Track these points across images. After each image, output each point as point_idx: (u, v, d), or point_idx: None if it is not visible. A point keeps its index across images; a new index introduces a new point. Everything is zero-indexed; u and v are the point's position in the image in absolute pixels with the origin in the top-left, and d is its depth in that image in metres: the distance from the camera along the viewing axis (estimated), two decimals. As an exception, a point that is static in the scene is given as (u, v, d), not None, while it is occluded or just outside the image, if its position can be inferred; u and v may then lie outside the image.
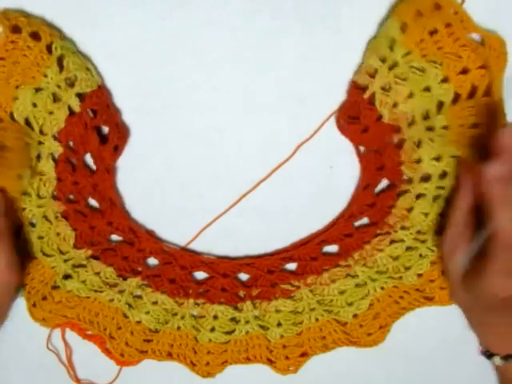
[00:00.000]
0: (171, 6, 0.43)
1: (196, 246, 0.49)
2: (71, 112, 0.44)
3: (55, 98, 0.43)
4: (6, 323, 0.48)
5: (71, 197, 0.47)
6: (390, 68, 0.42)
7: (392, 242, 0.47)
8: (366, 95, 0.43)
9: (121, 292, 0.49)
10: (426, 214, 0.46)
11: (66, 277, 0.48)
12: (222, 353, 0.50)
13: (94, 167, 0.46)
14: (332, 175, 0.47)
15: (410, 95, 0.43)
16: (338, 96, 0.45)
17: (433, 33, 0.41)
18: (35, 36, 0.42)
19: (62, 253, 0.48)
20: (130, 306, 0.49)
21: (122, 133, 0.45)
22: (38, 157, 0.45)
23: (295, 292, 0.49)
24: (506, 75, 0.43)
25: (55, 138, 0.45)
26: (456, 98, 0.43)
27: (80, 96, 0.44)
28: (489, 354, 0.45)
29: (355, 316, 0.49)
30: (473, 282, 0.41)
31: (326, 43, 0.44)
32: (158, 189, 0.48)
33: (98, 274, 0.48)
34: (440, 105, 0.43)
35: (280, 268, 0.49)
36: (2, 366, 0.52)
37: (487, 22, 0.42)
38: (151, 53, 0.44)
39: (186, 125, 0.46)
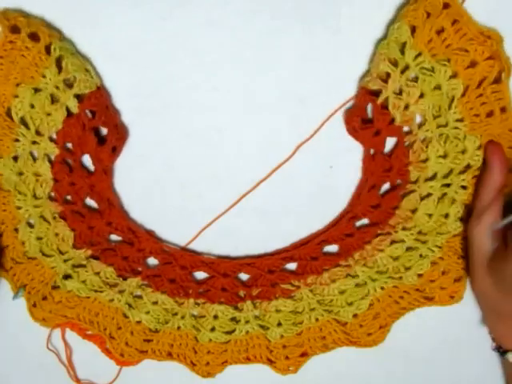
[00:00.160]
0: (171, 6, 0.43)
1: (196, 246, 0.49)
2: (69, 113, 0.44)
3: (53, 100, 0.43)
4: (6, 323, 0.48)
5: (68, 197, 0.47)
6: (402, 71, 0.42)
7: (392, 242, 0.47)
8: (380, 100, 0.43)
9: (121, 292, 0.49)
10: (430, 215, 0.46)
11: (66, 277, 0.48)
12: (222, 353, 0.50)
13: (91, 168, 0.46)
14: (332, 175, 0.47)
15: (421, 95, 0.43)
16: (338, 96, 0.45)
17: (440, 32, 0.41)
18: (34, 37, 0.42)
19: (61, 253, 0.48)
20: (130, 305, 0.49)
21: (120, 134, 0.45)
22: (33, 157, 0.45)
23: (295, 292, 0.49)
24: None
25: (51, 140, 0.45)
26: (466, 91, 0.43)
27: (78, 97, 0.43)
28: (502, 351, 0.44)
29: (355, 316, 0.49)
30: (498, 265, 0.41)
31: (326, 43, 0.44)
32: (158, 189, 0.48)
33: (97, 274, 0.48)
34: (451, 100, 0.43)
35: (280, 268, 0.49)
36: (2, 366, 0.52)
37: (487, 22, 0.42)
38: (151, 53, 0.44)
39: (186, 125, 0.46)
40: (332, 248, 0.48)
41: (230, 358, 0.50)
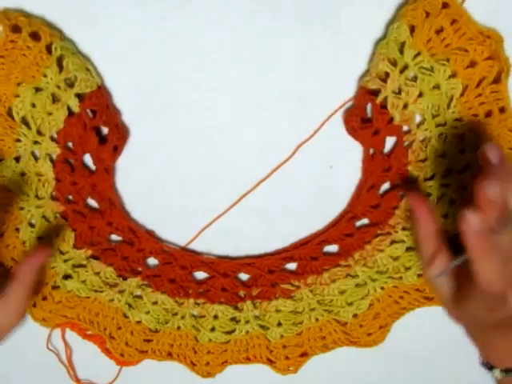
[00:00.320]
0: (171, 6, 0.43)
1: (196, 246, 0.49)
2: (70, 112, 0.44)
3: (54, 99, 0.43)
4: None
5: (70, 197, 0.47)
6: (401, 71, 0.42)
7: (392, 242, 0.47)
8: (379, 100, 0.43)
9: (121, 292, 0.49)
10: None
11: (66, 277, 0.48)
12: (221, 353, 0.50)
13: (93, 167, 0.46)
14: (332, 175, 0.47)
15: (420, 94, 0.43)
16: (338, 96, 0.45)
17: (439, 31, 0.41)
18: (35, 36, 0.42)
19: (61, 253, 0.48)
20: (130, 305, 0.49)
21: (121, 133, 0.45)
22: (35, 157, 0.45)
23: (295, 292, 0.49)
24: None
25: (53, 139, 0.45)
26: (465, 90, 0.43)
27: (79, 96, 0.43)
28: (489, 366, 0.44)
29: (355, 316, 0.49)
30: (461, 303, 0.41)
31: (326, 43, 0.44)
32: (158, 189, 0.48)
33: (98, 274, 0.48)
34: (450, 100, 0.43)
35: (280, 268, 0.49)
36: (2, 365, 0.52)
37: (487, 22, 0.42)
38: (151, 53, 0.44)
39: (186, 125, 0.46)
40: (332, 248, 0.49)
41: (230, 357, 0.50)
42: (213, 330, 0.50)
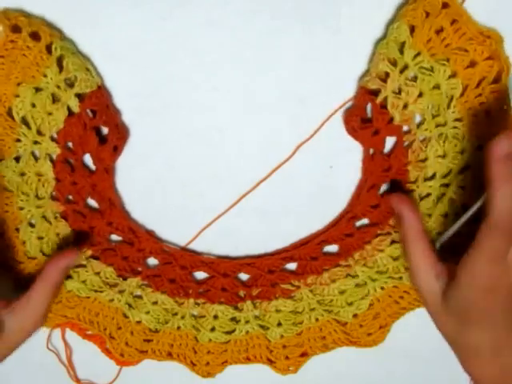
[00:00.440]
0: (171, 6, 0.43)
1: (196, 246, 0.49)
2: (70, 112, 0.44)
3: (54, 99, 0.43)
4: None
5: (70, 197, 0.47)
6: (401, 71, 0.42)
7: (392, 242, 0.47)
8: (379, 100, 0.43)
9: (121, 292, 0.49)
10: (430, 215, 0.46)
11: (66, 277, 0.48)
12: (221, 353, 0.50)
13: (93, 167, 0.46)
14: (332, 175, 0.47)
15: (420, 94, 0.43)
16: (338, 96, 0.45)
17: (439, 31, 0.41)
18: (35, 36, 0.42)
19: (61, 253, 0.48)
20: (130, 305, 0.49)
21: (121, 133, 0.45)
22: (35, 157, 0.45)
23: (295, 292, 0.49)
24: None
25: (53, 139, 0.45)
26: (465, 90, 0.43)
27: (79, 96, 0.43)
28: None
29: (355, 316, 0.49)
30: (449, 299, 0.40)
31: (326, 43, 0.44)
32: (158, 189, 0.48)
33: (98, 274, 0.48)
34: (450, 99, 0.43)
35: (280, 268, 0.49)
36: (2, 365, 0.52)
37: (487, 22, 0.42)
38: (151, 53, 0.44)
39: (186, 125, 0.46)
40: (332, 248, 0.49)
41: (230, 357, 0.50)
42: (213, 329, 0.50)
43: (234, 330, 0.50)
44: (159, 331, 0.50)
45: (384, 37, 0.43)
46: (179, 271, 0.49)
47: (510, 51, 0.42)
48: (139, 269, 0.49)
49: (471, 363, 0.42)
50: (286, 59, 0.44)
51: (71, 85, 0.43)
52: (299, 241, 0.48)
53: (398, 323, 0.49)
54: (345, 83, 0.45)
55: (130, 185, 0.47)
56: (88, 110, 0.44)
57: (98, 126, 0.45)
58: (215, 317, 0.50)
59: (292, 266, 0.49)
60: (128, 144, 0.46)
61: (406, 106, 0.43)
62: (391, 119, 0.44)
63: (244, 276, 0.49)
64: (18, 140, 0.44)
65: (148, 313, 0.49)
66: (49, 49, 0.42)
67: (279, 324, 0.49)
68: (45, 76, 0.43)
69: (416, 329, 0.50)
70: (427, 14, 0.41)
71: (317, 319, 0.49)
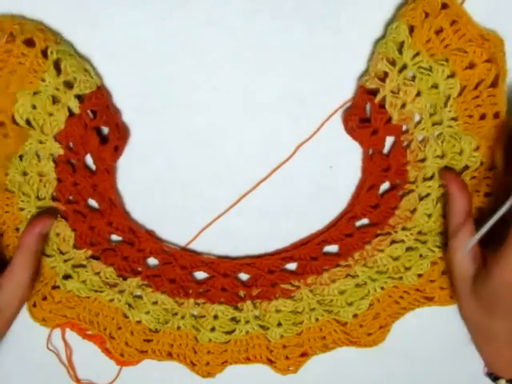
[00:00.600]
0: (171, 6, 0.43)
1: (196, 246, 0.49)
2: (71, 113, 0.44)
3: (54, 100, 0.43)
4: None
5: (71, 197, 0.47)
6: (400, 71, 0.42)
7: (392, 242, 0.47)
8: (377, 99, 0.43)
9: (121, 292, 0.49)
10: (429, 215, 0.46)
11: (66, 277, 0.48)
12: (221, 353, 0.50)
13: (94, 167, 0.46)
14: (332, 175, 0.47)
15: (418, 94, 0.43)
16: (338, 96, 0.45)
17: (439, 32, 0.41)
18: (29, 42, 0.41)
19: (61, 253, 0.48)
20: (130, 306, 0.49)
21: (122, 133, 0.45)
22: (38, 157, 0.45)
23: (295, 292, 0.49)
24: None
25: (55, 139, 0.45)
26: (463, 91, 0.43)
27: (79, 97, 0.43)
28: (494, 377, 0.44)
29: (355, 316, 0.49)
30: (479, 286, 0.41)
31: (326, 43, 0.44)
32: (158, 189, 0.48)
33: (98, 273, 0.48)
34: (447, 99, 0.43)
35: (280, 268, 0.49)
36: (2, 365, 0.52)
37: (487, 23, 0.42)
38: (151, 53, 0.44)
39: (186, 125, 0.46)
40: (332, 248, 0.49)
41: (230, 357, 0.50)
42: (213, 330, 0.50)
43: (234, 330, 0.50)
44: (159, 331, 0.50)
45: (383, 37, 0.43)
46: (179, 271, 0.49)
47: (510, 52, 0.42)
48: (139, 269, 0.49)
49: (489, 347, 0.44)
50: (286, 59, 0.44)
51: (70, 86, 0.43)
52: (299, 241, 0.48)
53: (398, 323, 0.49)
54: (345, 83, 0.45)
55: (130, 185, 0.47)
56: (88, 111, 0.44)
57: (98, 126, 0.45)
58: (215, 317, 0.50)
59: (292, 266, 0.49)
60: (128, 144, 0.46)
61: (404, 106, 0.43)
62: (390, 119, 0.44)
63: (244, 276, 0.49)
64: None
65: (148, 313, 0.49)
66: (44, 53, 0.42)
67: (279, 324, 0.49)
68: (43, 80, 0.42)
69: (416, 329, 0.50)
70: (426, 15, 0.41)
71: (317, 319, 0.49)
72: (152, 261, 0.49)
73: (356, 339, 0.49)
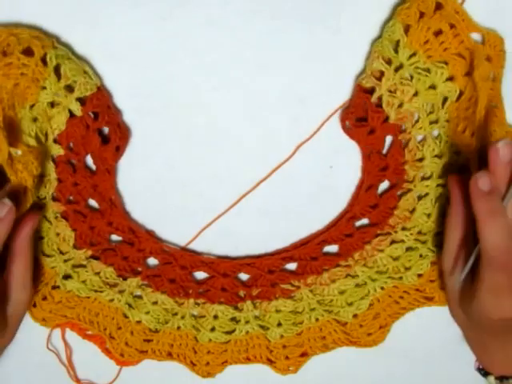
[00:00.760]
0: (171, 6, 0.43)
1: (196, 246, 0.49)
2: (72, 114, 0.44)
3: (54, 105, 0.43)
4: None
5: (71, 198, 0.47)
6: (396, 70, 0.42)
7: (392, 242, 0.47)
8: (374, 98, 0.43)
9: (121, 292, 0.49)
10: (429, 215, 0.46)
11: (66, 277, 0.48)
12: (221, 353, 0.50)
13: (94, 168, 0.46)
14: (332, 175, 0.47)
15: (415, 93, 0.43)
16: (338, 96, 0.45)
17: (438, 34, 0.41)
18: (28, 51, 0.41)
19: (61, 253, 0.48)
20: (130, 306, 0.49)
21: (123, 133, 0.45)
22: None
23: (295, 292, 0.49)
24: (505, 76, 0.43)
25: (55, 141, 0.45)
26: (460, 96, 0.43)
27: (81, 100, 0.43)
28: (484, 373, 0.45)
29: (355, 316, 0.49)
30: (468, 304, 0.41)
31: (326, 43, 0.44)
32: (158, 189, 0.48)
33: (98, 274, 0.48)
34: (444, 100, 0.43)
35: (280, 268, 0.49)
36: (2, 365, 0.52)
37: (487, 22, 0.42)
38: (151, 53, 0.44)
39: (186, 125, 0.46)
40: (332, 248, 0.49)
41: (230, 357, 0.50)
42: (213, 329, 0.50)
43: (234, 330, 0.50)
44: (159, 331, 0.50)
45: (380, 36, 0.43)
46: (179, 271, 0.49)
47: (510, 51, 0.42)
48: (139, 269, 0.49)
49: (479, 347, 0.45)
50: (286, 59, 0.44)
51: (71, 90, 0.43)
52: (299, 241, 0.48)
53: (398, 323, 0.49)
54: (345, 83, 0.45)
55: (130, 185, 0.47)
56: (90, 112, 0.44)
57: (99, 127, 0.45)
58: (215, 317, 0.50)
59: (292, 266, 0.49)
60: (129, 144, 0.46)
61: (401, 105, 0.43)
62: (387, 118, 0.44)
63: (244, 276, 0.49)
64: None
65: (148, 313, 0.49)
66: (43, 60, 0.42)
67: (279, 324, 0.49)
68: (44, 88, 0.42)
69: (416, 329, 0.50)
70: (422, 14, 0.41)
71: (317, 319, 0.49)
72: (152, 261, 0.49)
73: (356, 339, 0.49)
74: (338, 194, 0.47)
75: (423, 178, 0.45)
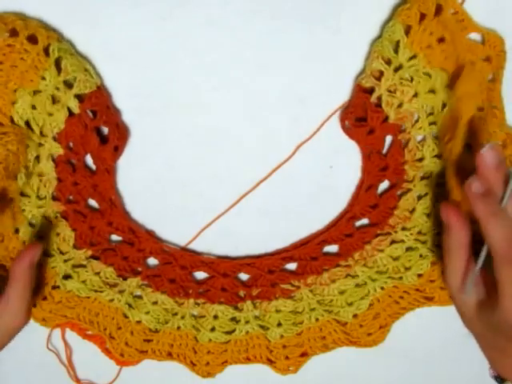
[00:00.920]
0: (171, 6, 0.43)
1: (196, 246, 0.49)
2: (71, 113, 0.44)
3: (54, 100, 0.43)
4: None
5: (71, 197, 0.47)
6: (396, 70, 0.42)
7: (392, 242, 0.47)
8: (373, 98, 0.43)
9: (121, 292, 0.49)
10: (428, 215, 0.46)
11: (66, 277, 0.48)
12: (221, 353, 0.50)
13: (94, 167, 0.46)
14: (332, 175, 0.47)
15: (415, 94, 0.43)
16: (338, 96, 0.45)
17: (440, 41, 0.41)
18: (32, 39, 0.42)
19: (61, 253, 0.48)
20: (130, 306, 0.49)
21: (122, 133, 0.45)
22: (38, 158, 0.45)
23: (295, 292, 0.49)
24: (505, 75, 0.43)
25: (55, 139, 0.45)
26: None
27: (79, 97, 0.43)
28: (500, 379, 0.44)
29: (355, 316, 0.49)
30: (489, 313, 0.40)
31: (326, 43, 0.44)
32: (158, 189, 0.48)
33: (98, 274, 0.48)
34: (443, 105, 0.43)
35: (280, 268, 0.49)
36: (2, 365, 0.52)
37: (487, 22, 0.42)
38: (151, 53, 0.44)
39: (186, 125, 0.46)
40: (332, 248, 0.49)
41: (230, 357, 0.50)
42: (213, 329, 0.50)
43: (234, 330, 0.50)
44: (159, 331, 0.50)
45: (380, 36, 0.43)
46: (179, 271, 0.49)
47: (510, 51, 0.42)
48: (139, 269, 0.49)
49: (497, 355, 0.43)
50: (286, 59, 0.44)
51: (70, 86, 0.43)
52: (299, 241, 0.48)
53: (398, 323, 0.49)
54: (345, 83, 0.45)
55: (130, 185, 0.47)
56: (88, 111, 0.44)
57: (98, 126, 0.45)
58: (215, 317, 0.50)
59: (292, 266, 0.49)
60: (128, 144, 0.46)
61: (400, 105, 0.43)
62: (386, 118, 0.44)
63: (244, 276, 0.49)
64: (27, 146, 0.44)
65: (148, 313, 0.49)
66: (46, 51, 0.42)
67: (279, 324, 0.49)
68: (43, 79, 0.42)
69: (416, 329, 0.50)
70: (422, 15, 0.41)
71: (317, 319, 0.49)
72: (152, 261, 0.49)
73: (356, 339, 0.49)
74: (337, 194, 0.47)
75: (423, 178, 0.46)
